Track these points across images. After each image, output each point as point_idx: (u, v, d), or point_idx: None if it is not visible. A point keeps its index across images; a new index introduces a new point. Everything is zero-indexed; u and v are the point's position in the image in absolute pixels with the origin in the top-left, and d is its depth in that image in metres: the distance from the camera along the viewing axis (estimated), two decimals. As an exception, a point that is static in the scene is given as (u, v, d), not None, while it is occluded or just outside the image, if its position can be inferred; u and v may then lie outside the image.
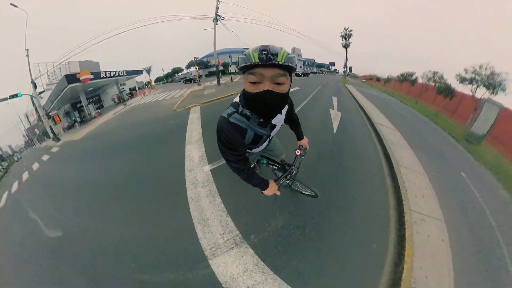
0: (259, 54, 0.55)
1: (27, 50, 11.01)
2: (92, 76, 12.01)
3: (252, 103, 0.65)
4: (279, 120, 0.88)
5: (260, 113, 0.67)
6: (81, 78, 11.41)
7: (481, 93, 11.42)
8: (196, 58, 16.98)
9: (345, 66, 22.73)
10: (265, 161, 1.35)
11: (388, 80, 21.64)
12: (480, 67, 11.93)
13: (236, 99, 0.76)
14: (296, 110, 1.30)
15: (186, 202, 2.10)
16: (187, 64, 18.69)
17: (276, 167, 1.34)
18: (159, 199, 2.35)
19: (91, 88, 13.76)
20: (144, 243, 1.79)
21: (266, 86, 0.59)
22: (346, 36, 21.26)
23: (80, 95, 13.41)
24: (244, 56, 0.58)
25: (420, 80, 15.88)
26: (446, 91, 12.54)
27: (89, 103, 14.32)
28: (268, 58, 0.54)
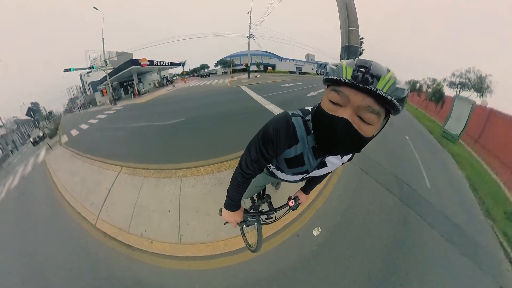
0: (353, 70, 0.39)
1: (103, 38, 14.98)
2: (148, 63, 15.82)
3: (317, 121, 0.48)
4: (333, 163, 0.65)
5: (319, 139, 0.49)
6: (141, 63, 15.21)
7: (466, 95, 10.93)
8: (231, 59, 21.54)
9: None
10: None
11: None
12: (467, 71, 12.10)
13: (309, 107, 0.60)
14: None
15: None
16: (215, 62, 22.85)
17: (259, 199, 1.14)
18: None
19: (140, 73, 17.66)
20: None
21: (346, 114, 0.41)
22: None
23: (133, 75, 17.19)
24: (335, 67, 0.43)
25: (424, 89, 15.52)
26: (435, 96, 12.41)
27: (138, 82, 18.21)
28: (364, 80, 0.37)
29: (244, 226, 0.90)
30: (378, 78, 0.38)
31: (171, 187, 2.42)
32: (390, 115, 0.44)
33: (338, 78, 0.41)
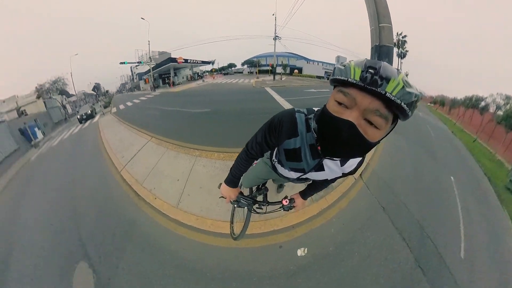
0: (362, 71, 0.37)
1: (149, 41, 18.18)
2: (183, 61, 18.47)
3: (322, 123, 0.46)
4: (331, 169, 0.64)
5: (322, 140, 0.48)
6: (178, 61, 18.02)
7: None
8: (257, 59, 22.51)
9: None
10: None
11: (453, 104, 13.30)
12: None
13: (315, 108, 0.61)
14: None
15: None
16: (242, 62, 24.25)
17: (257, 190, 1.16)
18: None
19: (176, 68, 20.68)
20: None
21: (352, 116, 0.39)
22: (399, 44, 14.13)
23: (171, 70, 20.28)
24: (343, 67, 0.41)
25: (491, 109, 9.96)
26: (508, 122, 7.91)
27: (174, 75, 21.42)
28: (373, 81, 0.35)
29: (235, 206, 0.94)
30: (387, 80, 0.35)
31: (186, 162, 2.71)
32: (398, 120, 0.41)
33: (346, 78, 0.39)
